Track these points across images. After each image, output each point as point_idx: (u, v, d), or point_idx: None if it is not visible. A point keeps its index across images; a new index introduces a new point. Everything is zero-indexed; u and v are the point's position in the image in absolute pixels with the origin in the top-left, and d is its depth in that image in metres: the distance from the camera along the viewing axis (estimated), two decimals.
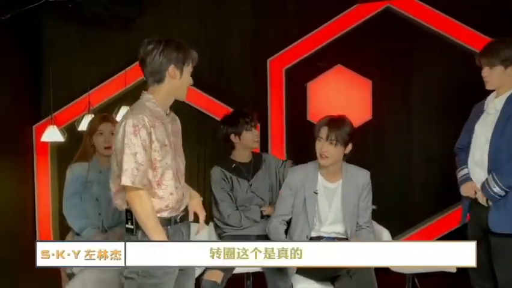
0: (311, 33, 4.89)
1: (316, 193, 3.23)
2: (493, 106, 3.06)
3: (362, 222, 3.28)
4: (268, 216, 3.55)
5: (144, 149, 2.38)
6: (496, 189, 2.92)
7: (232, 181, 3.60)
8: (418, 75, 4.99)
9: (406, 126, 5.02)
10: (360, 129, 4.84)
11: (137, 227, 2.42)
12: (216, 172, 3.62)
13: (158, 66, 2.45)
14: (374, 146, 5.02)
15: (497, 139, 2.96)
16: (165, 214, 2.48)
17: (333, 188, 3.26)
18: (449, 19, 4.73)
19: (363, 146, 4.92)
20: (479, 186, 3.03)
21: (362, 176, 3.29)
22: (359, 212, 3.26)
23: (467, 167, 3.11)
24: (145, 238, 2.40)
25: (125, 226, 2.46)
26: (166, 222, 2.47)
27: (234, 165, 3.64)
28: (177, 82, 2.49)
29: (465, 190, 3.11)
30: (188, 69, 2.52)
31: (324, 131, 3.16)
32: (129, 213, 2.45)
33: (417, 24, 4.84)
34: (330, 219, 3.25)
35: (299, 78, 4.94)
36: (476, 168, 3.06)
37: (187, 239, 2.59)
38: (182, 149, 2.68)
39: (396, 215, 4.86)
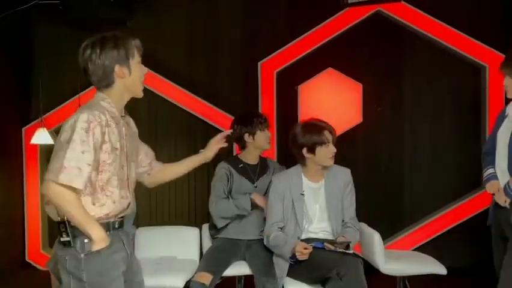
0: (302, 36, 4.92)
1: (303, 194, 3.28)
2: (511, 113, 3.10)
3: (348, 219, 3.32)
4: (258, 206, 3.51)
5: (94, 149, 2.12)
6: None
7: (234, 180, 3.59)
8: (408, 79, 5.03)
9: (396, 129, 5.05)
10: (350, 132, 4.88)
11: (74, 236, 2.14)
12: (221, 168, 3.61)
13: (103, 71, 2.23)
14: (364, 149, 5.04)
15: None
16: (104, 221, 2.21)
17: (317, 188, 3.31)
18: (440, 23, 4.78)
19: (353, 148, 4.95)
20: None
21: (344, 174, 3.36)
22: (343, 209, 3.31)
23: (492, 167, 3.15)
24: (85, 248, 2.13)
25: (60, 240, 2.16)
26: (104, 228, 2.18)
27: (241, 165, 3.63)
28: (128, 80, 2.27)
29: (489, 188, 3.15)
30: (135, 62, 2.28)
31: (329, 135, 3.25)
32: (62, 225, 2.14)
33: (408, 28, 4.87)
34: (317, 217, 3.28)
35: (290, 80, 4.95)
36: (500, 173, 3.10)
37: (128, 247, 2.30)
38: (138, 154, 2.47)
39: (387, 217, 4.88)
